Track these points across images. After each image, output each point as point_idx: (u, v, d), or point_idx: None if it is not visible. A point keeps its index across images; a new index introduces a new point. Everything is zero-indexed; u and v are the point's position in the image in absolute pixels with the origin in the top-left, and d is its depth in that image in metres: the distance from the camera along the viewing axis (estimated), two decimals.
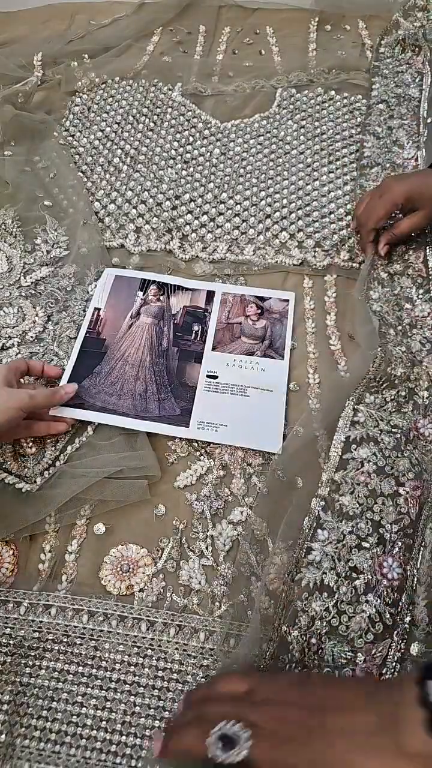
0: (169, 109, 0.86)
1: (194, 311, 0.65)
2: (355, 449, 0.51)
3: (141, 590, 0.48)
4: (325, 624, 0.43)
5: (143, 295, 0.66)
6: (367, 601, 0.44)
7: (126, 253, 0.71)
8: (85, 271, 0.68)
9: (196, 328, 0.64)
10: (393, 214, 0.64)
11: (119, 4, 1.03)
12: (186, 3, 1.01)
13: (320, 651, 0.42)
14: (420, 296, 0.63)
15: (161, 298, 0.66)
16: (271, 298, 0.66)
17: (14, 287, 0.67)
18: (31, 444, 0.55)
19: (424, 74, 0.84)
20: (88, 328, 0.63)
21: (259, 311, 0.65)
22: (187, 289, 0.67)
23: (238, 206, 0.74)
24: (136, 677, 0.45)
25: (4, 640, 0.46)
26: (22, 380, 0.57)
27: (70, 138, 0.83)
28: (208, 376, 0.60)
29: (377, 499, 0.49)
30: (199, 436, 0.56)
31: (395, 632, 0.43)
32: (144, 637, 0.46)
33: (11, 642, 0.46)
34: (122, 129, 0.83)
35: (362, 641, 0.42)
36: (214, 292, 0.66)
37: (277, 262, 0.69)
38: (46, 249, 0.70)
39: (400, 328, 0.61)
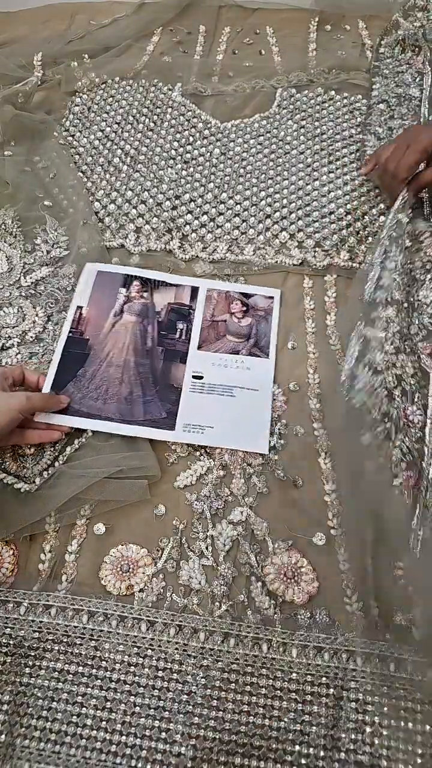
0: (169, 109, 0.86)
1: (179, 308, 0.64)
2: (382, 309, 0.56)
3: (141, 590, 0.48)
4: None
5: (126, 291, 0.65)
6: (400, 439, 0.51)
7: (126, 253, 0.71)
8: None
9: (181, 326, 0.63)
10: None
11: (119, 4, 1.03)
12: (186, 3, 1.01)
13: None
14: (428, 281, 0.62)
15: (144, 294, 0.65)
16: (255, 294, 0.65)
17: (14, 287, 0.67)
18: (30, 444, 0.55)
19: (424, 74, 0.84)
20: (71, 328, 0.62)
21: (244, 308, 0.64)
22: (170, 284, 0.66)
23: (238, 206, 0.74)
24: (136, 677, 0.45)
25: (4, 640, 0.46)
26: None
27: (70, 138, 0.83)
28: (193, 377, 0.59)
29: (398, 356, 0.54)
30: (186, 439, 0.55)
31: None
32: (144, 637, 0.46)
33: (11, 642, 0.46)
34: (122, 129, 0.83)
35: (398, 469, 0.51)
36: (198, 288, 0.66)
37: (277, 262, 0.69)
38: (46, 249, 0.70)
39: (405, 305, 0.60)
